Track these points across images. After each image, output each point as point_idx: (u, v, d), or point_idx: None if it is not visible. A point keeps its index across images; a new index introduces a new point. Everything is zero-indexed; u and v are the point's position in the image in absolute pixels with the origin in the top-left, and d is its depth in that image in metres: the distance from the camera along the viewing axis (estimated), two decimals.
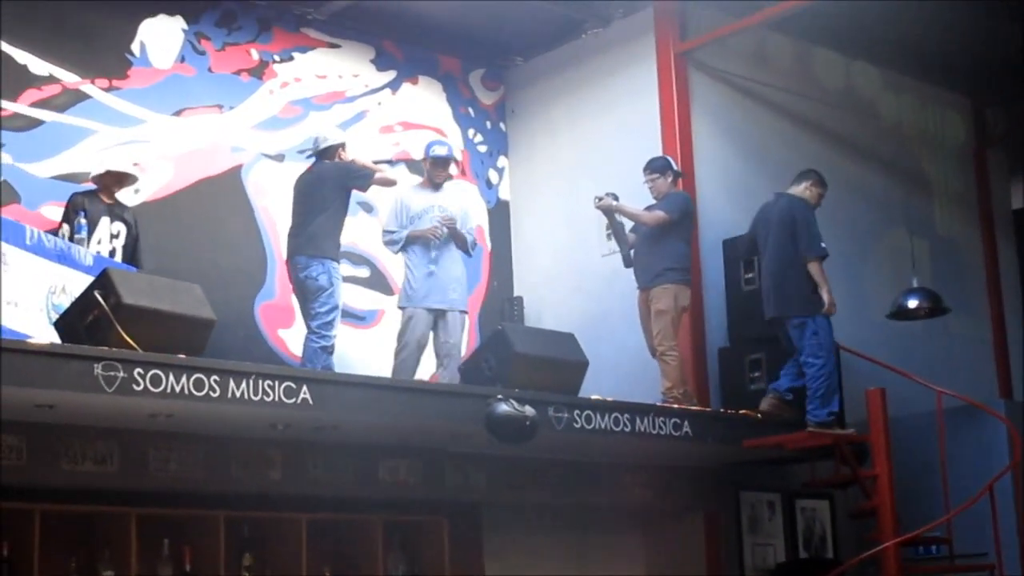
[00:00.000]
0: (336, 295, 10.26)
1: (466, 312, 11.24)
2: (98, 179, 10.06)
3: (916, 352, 12.88)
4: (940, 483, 10.73)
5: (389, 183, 10.85)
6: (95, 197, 9.94)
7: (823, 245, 10.52)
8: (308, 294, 10.26)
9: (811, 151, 12.90)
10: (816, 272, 10.45)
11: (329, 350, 10.12)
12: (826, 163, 12.12)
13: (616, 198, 11.06)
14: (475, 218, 11.57)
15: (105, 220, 9.81)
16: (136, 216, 10.17)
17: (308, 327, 10.24)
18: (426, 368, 11.06)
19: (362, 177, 10.59)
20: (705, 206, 11.80)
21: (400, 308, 11.03)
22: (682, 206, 11.05)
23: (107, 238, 9.79)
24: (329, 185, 10.47)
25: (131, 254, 9.93)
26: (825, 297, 10.41)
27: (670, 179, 11.15)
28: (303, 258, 10.28)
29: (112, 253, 9.75)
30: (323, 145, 10.66)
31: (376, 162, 10.90)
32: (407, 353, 10.80)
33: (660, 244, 10.92)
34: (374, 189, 10.89)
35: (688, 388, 10.90)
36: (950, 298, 12.54)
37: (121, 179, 10.12)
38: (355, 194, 10.78)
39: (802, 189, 10.87)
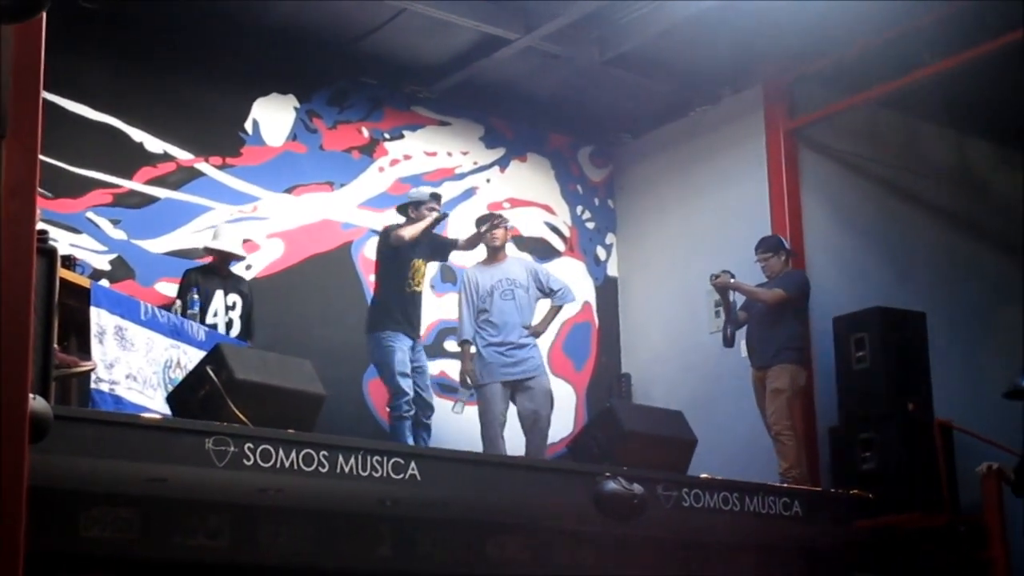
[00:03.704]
0: (388, 363, 10.09)
1: (545, 376, 10.75)
2: (211, 253, 10.19)
3: None
4: None
5: (404, 237, 10.28)
6: (209, 271, 10.07)
7: None
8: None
9: (922, 228, 12.76)
10: None
11: (405, 418, 9.96)
12: (937, 240, 11.94)
13: (732, 276, 10.98)
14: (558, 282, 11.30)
15: (219, 293, 9.90)
16: (251, 288, 10.30)
17: None
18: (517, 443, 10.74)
19: (383, 235, 10.58)
20: (815, 283, 11.61)
21: (475, 387, 10.66)
22: (800, 285, 11.00)
23: (223, 310, 9.88)
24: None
25: (246, 324, 10.02)
26: None
27: (783, 258, 11.09)
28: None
29: (229, 325, 9.85)
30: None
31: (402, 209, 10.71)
32: (492, 431, 10.45)
33: (777, 324, 10.82)
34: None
35: (804, 469, 10.73)
36: None
37: (228, 257, 10.22)
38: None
39: None
